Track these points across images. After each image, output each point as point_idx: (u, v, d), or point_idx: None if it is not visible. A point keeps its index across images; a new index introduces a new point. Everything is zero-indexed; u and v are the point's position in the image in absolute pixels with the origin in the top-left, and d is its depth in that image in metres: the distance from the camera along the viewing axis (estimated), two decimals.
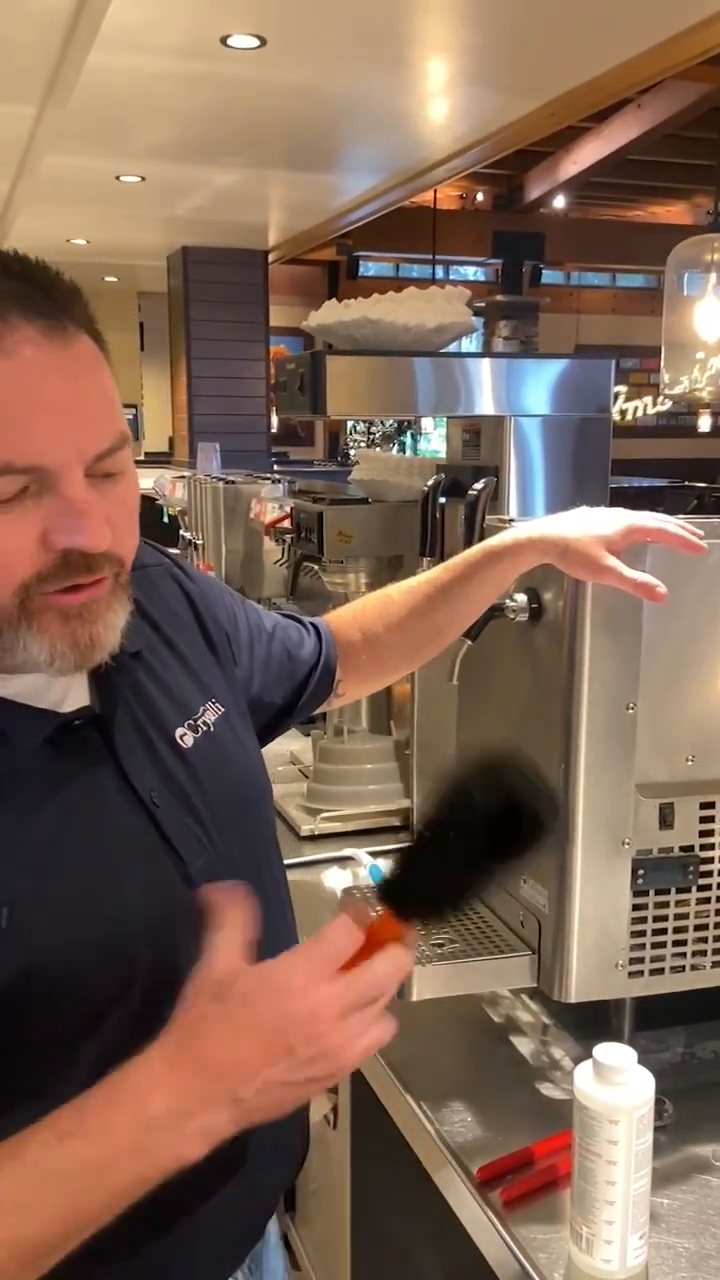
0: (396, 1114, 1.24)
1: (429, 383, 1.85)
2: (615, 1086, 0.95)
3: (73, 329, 0.74)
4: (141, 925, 0.80)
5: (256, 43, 2.67)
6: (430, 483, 1.29)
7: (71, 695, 0.82)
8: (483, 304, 8.29)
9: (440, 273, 8.22)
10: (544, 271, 8.90)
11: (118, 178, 4.07)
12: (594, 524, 1.09)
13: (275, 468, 5.19)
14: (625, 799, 1.15)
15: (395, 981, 0.73)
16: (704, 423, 9.11)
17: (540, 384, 1.94)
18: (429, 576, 1.17)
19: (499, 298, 8.22)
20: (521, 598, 1.20)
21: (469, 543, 1.22)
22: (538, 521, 1.13)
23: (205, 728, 0.92)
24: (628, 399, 9.47)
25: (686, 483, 6.28)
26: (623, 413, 9.51)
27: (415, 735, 1.91)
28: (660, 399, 8.50)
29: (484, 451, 1.99)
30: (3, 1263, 0.67)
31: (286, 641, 1.14)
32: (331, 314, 1.85)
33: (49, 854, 0.77)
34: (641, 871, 1.16)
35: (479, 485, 1.22)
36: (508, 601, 1.20)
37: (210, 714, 0.93)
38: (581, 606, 1.12)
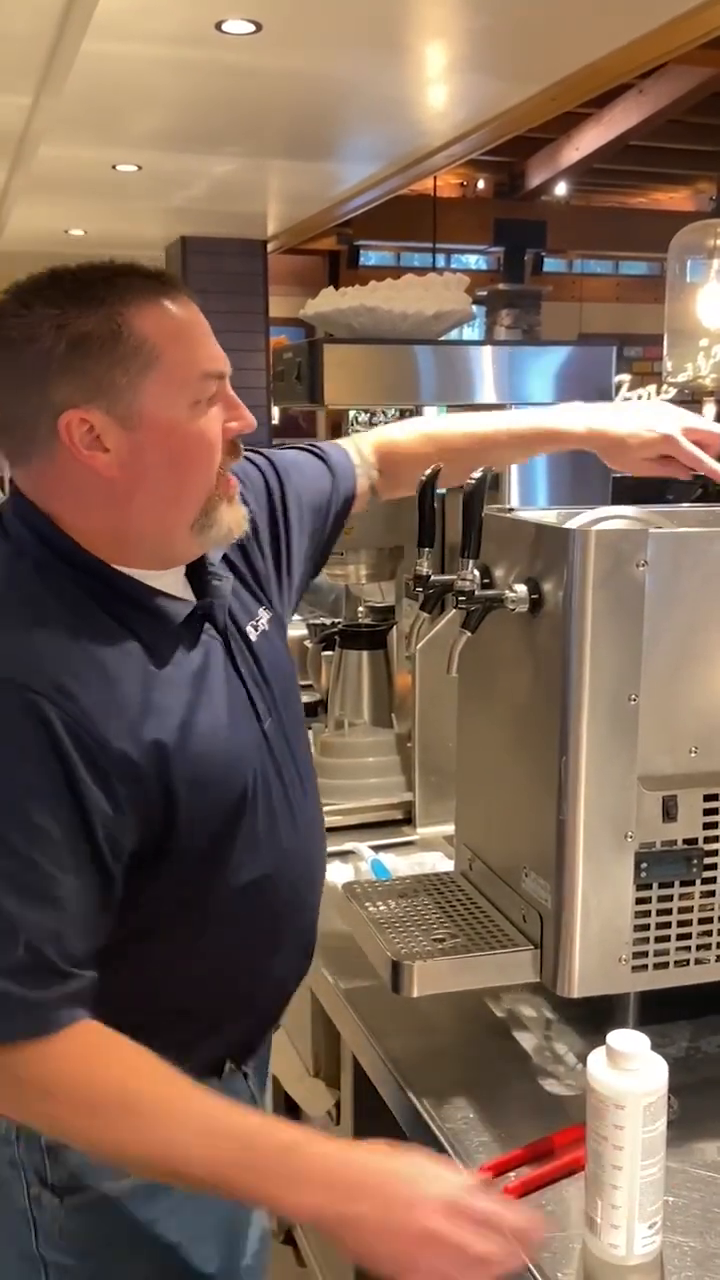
0: (398, 1110, 1.22)
1: (428, 371, 1.83)
2: (625, 1073, 0.94)
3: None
4: (246, 759, 1.07)
5: (252, 28, 2.63)
6: (427, 473, 1.28)
7: (187, 593, 1.08)
8: (485, 293, 8.24)
9: (442, 261, 8.17)
10: (546, 260, 8.84)
11: (114, 167, 4.03)
12: (649, 420, 1.26)
13: None
14: (628, 791, 1.14)
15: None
16: (708, 411, 9.03)
17: (541, 372, 1.92)
18: (505, 425, 1.35)
19: (501, 286, 8.18)
20: (522, 589, 1.18)
21: (467, 534, 1.20)
22: (596, 416, 1.28)
23: (263, 627, 1.17)
24: (631, 388, 9.39)
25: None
26: (626, 401, 9.44)
27: (417, 728, 1.90)
28: (664, 388, 8.45)
29: None
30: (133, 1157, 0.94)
31: (316, 499, 1.31)
32: (329, 302, 1.83)
33: (191, 704, 1.02)
34: (645, 865, 1.15)
35: (477, 474, 1.20)
36: (507, 593, 1.18)
37: (264, 616, 1.18)
38: (582, 597, 1.11)
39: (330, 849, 1.79)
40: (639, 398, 9.37)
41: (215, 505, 1.03)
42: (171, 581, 1.07)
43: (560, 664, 1.13)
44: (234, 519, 1.05)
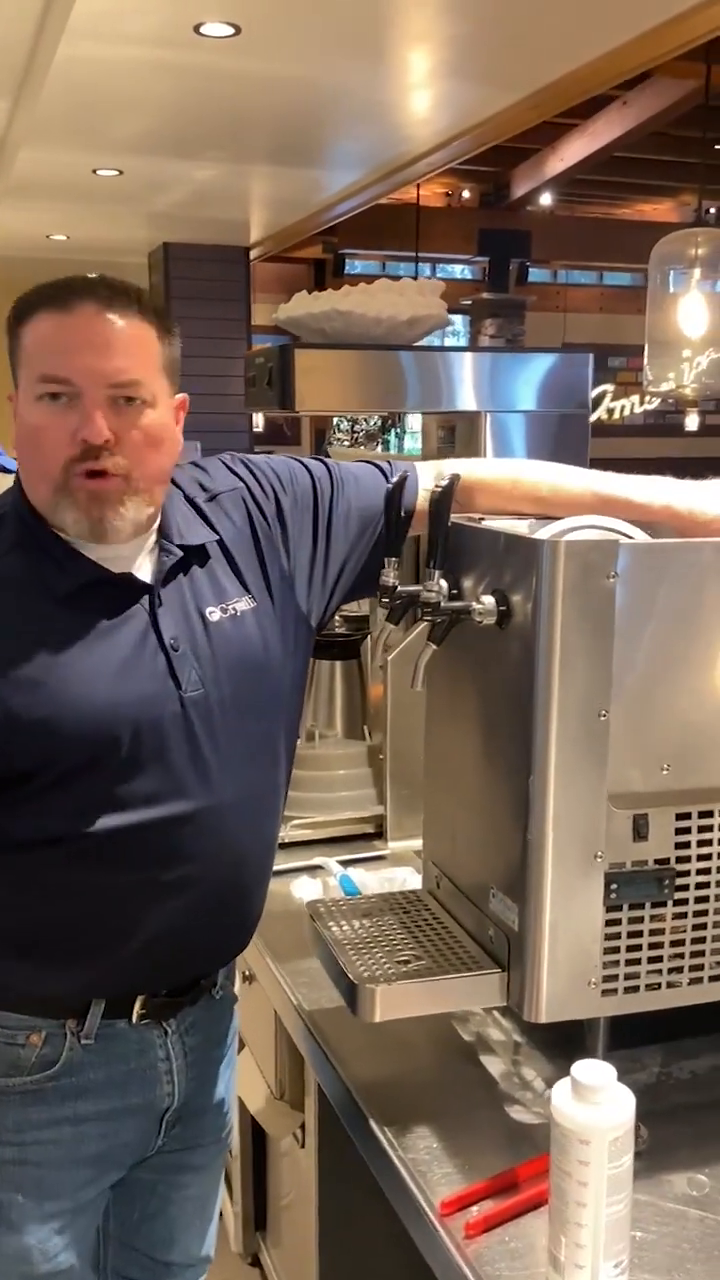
0: (359, 1139, 1.18)
1: (402, 377, 1.80)
2: (591, 1106, 0.91)
3: (124, 315, 1.12)
4: (130, 715, 1.13)
5: (230, 31, 2.61)
6: (395, 480, 1.24)
7: (140, 571, 1.19)
8: (469, 301, 8.24)
9: (427, 270, 8.15)
10: (531, 270, 8.83)
11: (95, 172, 4.00)
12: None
13: None
14: (597, 810, 1.10)
15: None
16: (691, 421, 9.04)
17: (518, 380, 1.89)
18: (592, 487, 1.32)
19: (485, 295, 8.17)
20: (489, 600, 1.15)
21: (434, 544, 1.17)
22: (675, 493, 1.26)
23: (234, 612, 1.23)
24: (615, 398, 9.42)
25: None
26: (610, 411, 9.45)
27: (389, 740, 1.87)
28: (647, 398, 8.46)
29: (459, 448, 1.94)
30: None
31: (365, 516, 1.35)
32: (301, 306, 1.80)
33: (77, 653, 1.13)
34: (614, 886, 1.11)
35: (444, 481, 1.17)
36: (474, 605, 1.15)
37: (242, 605, 1.24)
38: (551, 609, 1.07)
39: (298, 864, 1.76)
40: (621, 408, 9.39)
41: (61, 499, 1.13)
42: (118, 553, 1.17)
43: (528, 678, 1.09)
44: (75, 519, 1.13)
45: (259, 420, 7.83)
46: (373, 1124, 1.15)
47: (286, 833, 1.86)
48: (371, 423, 7.10)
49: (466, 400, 1.82)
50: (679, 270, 3.22)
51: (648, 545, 1.18)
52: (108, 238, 5.39)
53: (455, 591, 1.22)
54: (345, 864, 1.73)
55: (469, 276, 9.07)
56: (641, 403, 9.02)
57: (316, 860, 1.74)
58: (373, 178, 4.11)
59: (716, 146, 6.43)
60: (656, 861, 1.12)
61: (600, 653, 1.09)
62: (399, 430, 7.36)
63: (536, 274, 9.00)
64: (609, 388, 9.31)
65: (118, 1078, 1.21)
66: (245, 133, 3.56)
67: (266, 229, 5.22)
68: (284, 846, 1.85)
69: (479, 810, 1.24)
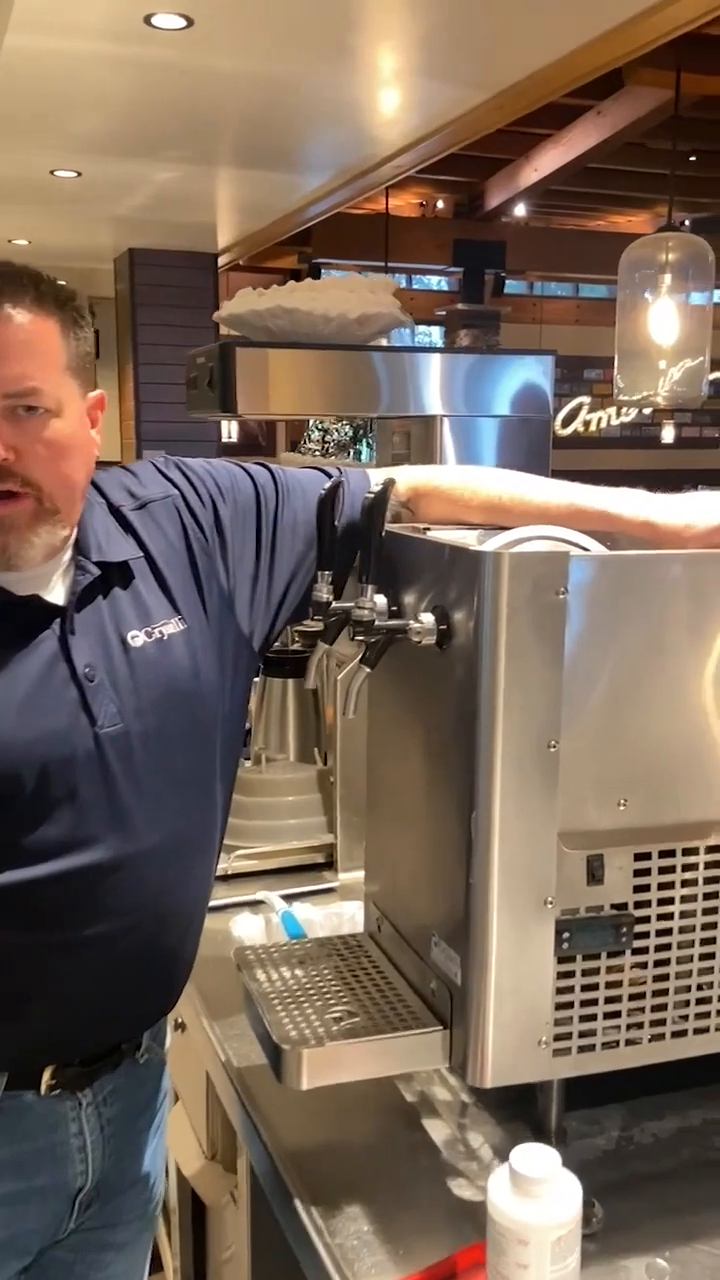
0: (285, 1220, 1.06)
1: (352, 379, 1.70)
2: (530, 1200, 0.80)
3: (19, 310, 1.01)
4: (36, 755, 1.02)
5: (183, 23, 2.51)
6: (327, 487, 1.14)
7: (51, 592, 1.08)
8: (443, 312, 8.19)
9: (403, 281, 8.08)
10: (508, 282, 8.78)
11: (52, 173, 3.89)
12: (704, 512, 1.10)
13: None
14: (547, 851, 0.99)
15: None
16: (667, 433, 9.02)
17: (475, 383, 1.79)
18: (567, 498, 1.18)
19: (459, 306, 8.12)
20: (428, 618, 1.04)
21: (366, 556, 1.06)
22: (652, 506, 1.13)
23: (160, 635, 1.11)
24: (591, 410, 9.38)
25: None
26: (587, 423, 9.41)
27: (339, 764, 1.75)
28: (622, 410, 8.41)
29: (414, 454, 1.84)
30: None
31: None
32: (244, 303, 1.70)
33: None
34: (567, 934, 1.00)
35: (375, 489, 1.06)
36: (412, 623, 1.04)
37: (170, 627, 1.12)
38: (495, 628, 0.97)
39: (240, 899, 1.64)
40: (598, 420, 9.35)
41: None
42: (35, 572, 1.07)
43: (471, 705, 0.98)
44: None
45: (233, 429, 7.71)
46: (298, 1204, 1.03)
47: (229, 864, 1.74)
48: (343, 431, 7.00)
49: (421, 404, 1.72)
50: (649, 276, 3.14)
51: (606, 558, 1.08)
52: (71, 242, 5.28)
53: (395, 609, 1.12)
54: (291, 898, 1.61)
55: (446, 288, 9.01)
56: (618, 415, 8.99)
57: (258, 894, 1.62)
58: (340, 181, 4.02)
59: (691, 158, 6.39)
60: (613, 907, 1.01)
61: (550, 676, 0.98)
62: (370, 439, 7.27)
63: (513, 286, 8.96)
64: (586, 400, 9.27)
65: (23, 1157, 1.08)
66: (206, 132, 3.47)
67: (235, 234, 5.13)
68: (227, 879, 1.73)
69: (421, 848, 1.13)
